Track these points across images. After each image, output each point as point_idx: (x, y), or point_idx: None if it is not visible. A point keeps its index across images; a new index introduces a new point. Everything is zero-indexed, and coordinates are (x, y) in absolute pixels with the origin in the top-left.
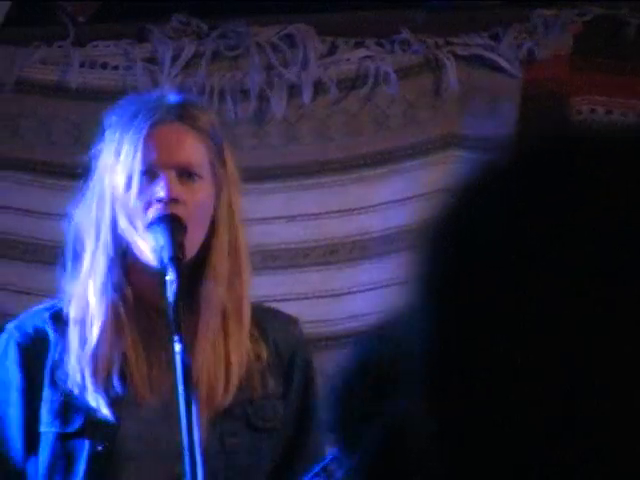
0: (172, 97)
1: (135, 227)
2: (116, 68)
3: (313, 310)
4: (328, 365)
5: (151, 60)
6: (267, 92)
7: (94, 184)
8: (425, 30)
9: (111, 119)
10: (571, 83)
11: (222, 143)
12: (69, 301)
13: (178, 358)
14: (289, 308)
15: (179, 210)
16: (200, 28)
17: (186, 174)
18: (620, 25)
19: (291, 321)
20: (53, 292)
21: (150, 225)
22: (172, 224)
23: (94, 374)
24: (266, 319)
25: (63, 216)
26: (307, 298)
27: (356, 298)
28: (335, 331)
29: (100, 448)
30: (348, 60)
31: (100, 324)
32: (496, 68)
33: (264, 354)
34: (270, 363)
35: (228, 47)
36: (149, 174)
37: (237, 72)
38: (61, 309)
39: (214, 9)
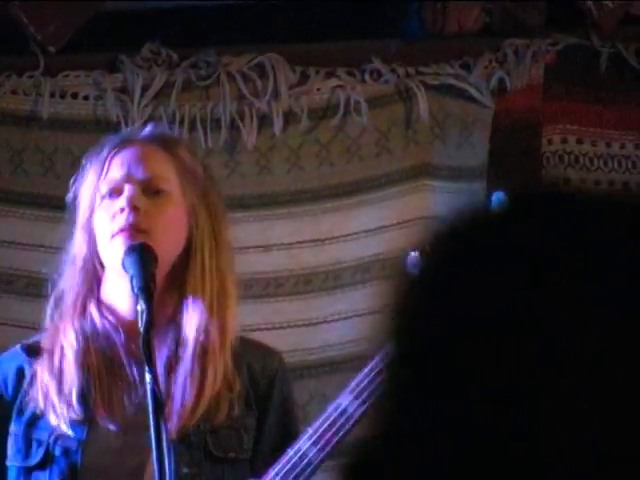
0: (143, 126)
1: (103, 241)
2: (87, 98)
3: (287, 339)
4: (302, 394)
5: (122, 90)
6: (238, 122)
7: (72, 216)
8: (396, 59)
9: (84, 159)
10: (543, 112)
11: (196, 168)
12: (45, 330)
13: (148, 388)
14: (263, 337)
15: (141, 220)
16: (171, 58)
17: (152, 190)
18: (592, 55)
19: (270, 353)
20: (27, 323)
21: (123, 254)
22: (142, 253)
23: (59, 397)
24: (245, 350)
25: (36, 246)
26: (281, 327)
27: (330, 327)
28: (309, 360)
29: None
30: (319, 90)
31: (69, 352)
32: (467, 98)
33: (237, 385)
34: (242, 394)
35: (199, 77)
36: (116, 191)
37: (208, 102)
38: (37, 341)
39: (185, 39)
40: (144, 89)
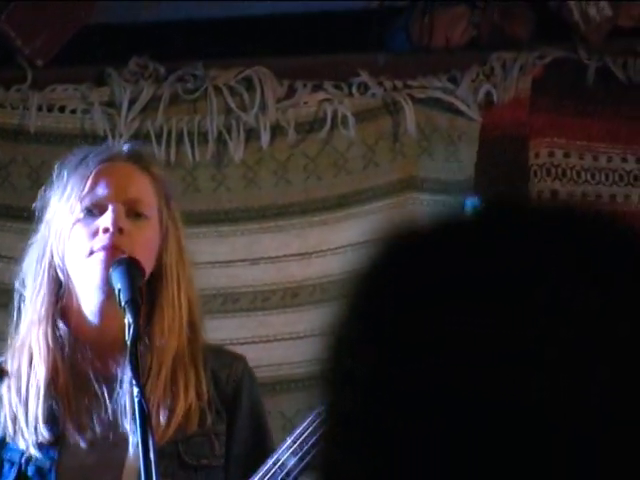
0: (121, 144)
1: (79, 257)
2: (74, 112)
3: (274, 353)
4: (289, 407)
5: (109, 103)
6: (225, 135)
7: (41, 232)
8: (384, 73)
9: (60, 167)
10: (530, 126)
11: (169, 189)
12: (10, 350)
13: (136, 401)
14: (250, 351)
15: (123, 242)
16: (158, 71)
17: (134, 212)
18: (579, 68)
19: (236, 359)
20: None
21: (111, 268)
22: (130, 267)
23: (26, 424)
24: (210, 357)
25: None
26: (269, 341)
27: (317, 341)
28: (296, 374)
29: None
30: (306, 103)
31: (37, 372)
32: (455, 111)
33: (204, 393)
34: (211, 401)
35: (186, 90)
36: (98, 207)
37: (195, 115)
38: (1, 361)
39: (172, 52)
40: (131, 102)
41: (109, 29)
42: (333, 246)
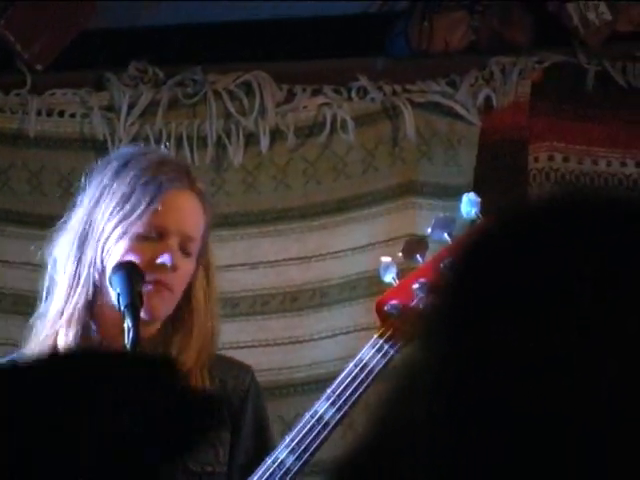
0: (174, 160)
1: (123, 279)
2: (73, 116)
3: (274, 357)
4: (288, 412)
5: (108, 108)
6: (225, 140)
7: (80, 223)
8: (383, 77)
9: (114, 165)
10: (529, 130)
11: (211, 218)
12: (32, 339)
13: None
14: (250, 355)
15: (172, 279)
16: (157, 76)
17: (185, 249)
18: (578, 72)
19: (243, 368)
20: (14, 340)
21: (110, 271)
22: (130, 272)
23: None
24: (216, 366)
25: (22, 263)
26: (268, 345)
27: (317, 345)
28: (296, 378)
29: None
30: (306, 107)
31: None
32: (454, 115)
33: None
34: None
35: (185, 95)
36: (156, 234)
37: (194, 120)
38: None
39: (171, 57)
40: (130, 107)
41: (108, 34)
42: (332, 250)
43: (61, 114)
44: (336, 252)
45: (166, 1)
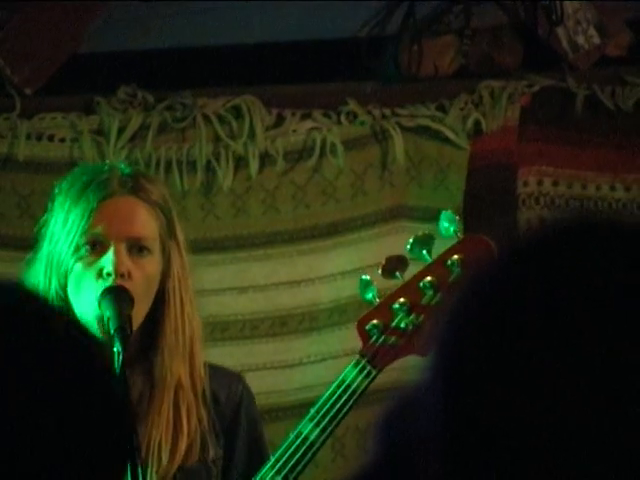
0: (123, 168)
1: (81, 296)
2: (63, 140)
3: (264, 381)
4: (278, 435)
5: (98, 132)
6: (214, 164)
7: (42, 253)
8: (372, 101)
9: (61, 188)
10: (518, 154)
11: (172, 214)
12: None
13: None
14: None
15: (126, 284)
16: (147, 100)
17: (136, 248)
18: (567, 96)
19: (234, 377)
20: None
21: (98, 297)
22: (119, 296)
23: None
24: (208, 377)
25: None
26: (258, 369)
27: (306, 369)
28: (286, 402)
29: None
30: (295, 131)
31: None
32: (443, 139)
33: (204, 416)
34: (210, 424)
35: (175, 119)
36: (99, 245)
37: (184, 144)
38: None
39: (161, 81)
40: (120, 131)
41: (98, 58)
42: (322, 274)
43: (51, 138)
44: (325, 276)
45: (155, 25)
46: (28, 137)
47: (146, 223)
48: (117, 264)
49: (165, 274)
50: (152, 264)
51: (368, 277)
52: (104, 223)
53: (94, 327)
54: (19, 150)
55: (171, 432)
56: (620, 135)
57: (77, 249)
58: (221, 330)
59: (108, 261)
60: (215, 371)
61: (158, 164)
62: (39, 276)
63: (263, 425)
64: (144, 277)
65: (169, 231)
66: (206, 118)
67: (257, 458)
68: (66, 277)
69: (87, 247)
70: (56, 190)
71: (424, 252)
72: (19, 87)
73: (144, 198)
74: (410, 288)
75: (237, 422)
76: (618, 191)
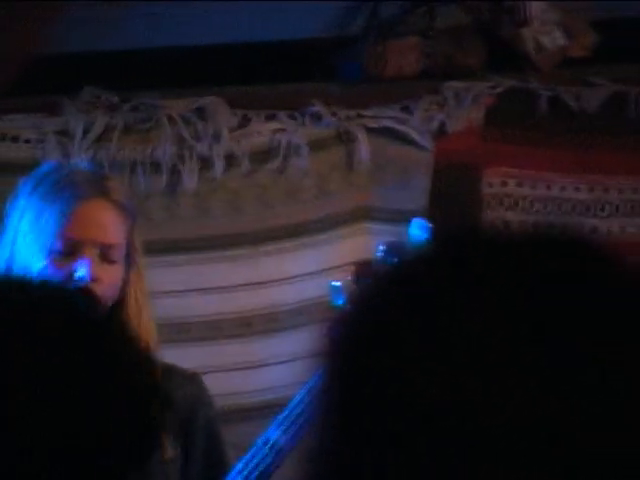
0: (91, 169)
1: None
2: (28, 141)
3: (227, 382)
4: (242, 437)
5: (63, 133)
6: (179, 165)
7: (5, 251)
8: (337, 103)
9: (28, 184)
10: (483, 155)
11: (135, 220)
12: None
13: None
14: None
15: (95, 288)
16: (111, 101)
17: (106, 254)
18: (531, 97)
19: (188, 377)
20: None
21: None
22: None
23: None
24: (163, 378)
25: None
26: (222, 370)
27: (270, 370)
28: (249, 403)
29: None
30: (260, 133)
31: None
32: (408, 141)
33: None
34: (166, 427)
35: (139, 120)
36: (72, 248)
37: (148, 145)
38: None
39: (126, 82)
40: (85, 132)
41: (62, 58)
42: (286, 275)
43: (15, 139)
44: (289, 277)
45: (120, 26)
46: None
47: (117, 230)
48: (90, 269)
49: (125, 279)
50: (119, 271)
51: (339, 283)
52: (79, 228)
53: None
54: None
55: None
56: (584, 136)
57: (49, 251)
58: (185, 331)
59: (81, 266)
60: (170, 371)
61: (122, 165)
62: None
63: (220, 424)
64: (111, 284)
65: (132, 236)
66: (171, 119)
67: (215, 456)
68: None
69: (60, 250)
70: (22, 186)
71: (395, 259)
72: None
73: (114, 200)
74: None
75: (193, 421)
76: (582, 192)
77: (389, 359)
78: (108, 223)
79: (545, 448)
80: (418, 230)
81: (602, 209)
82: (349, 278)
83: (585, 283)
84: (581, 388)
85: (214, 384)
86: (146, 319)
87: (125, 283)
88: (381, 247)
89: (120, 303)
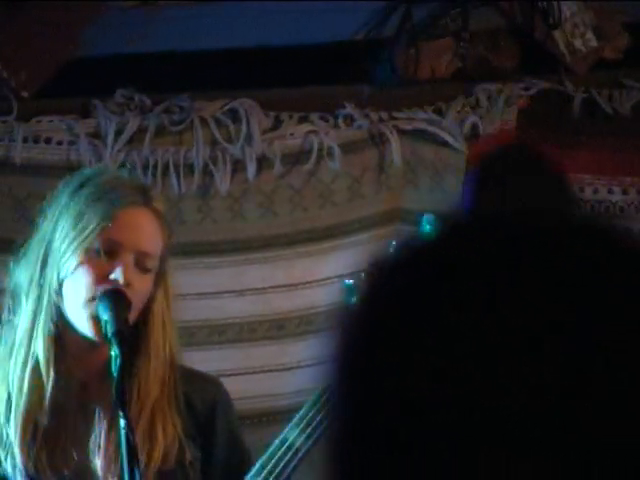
0: (132, 177)
1: (80, 298)
2: (60, 143)
3: (260, 385)
4: (274, 439)
5: (95, 135)
6: (211, 167)
7: (40, 243)
8: (369, 105)
9: (73, 185)
10: None
11: (170, 235)
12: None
13: (123, 434)
14: (236, 383)
15: (127, 291)
16: (144, 103)
17: (142, 262)
18: (564, 99)
19: (209, 382)
20: None
21: (97, 299)
22: (118, 299)
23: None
24: (183, 381)
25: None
26: (255, 372)
27: (303, 372)
28: (282, 406)
29: None
30: (292, 135)
31: (19, 403)
32: (440, 142)
33: (179, 422)
34: (186, 429)
35: (172, 122)
36: (111, 250)
37: (181, 147)
38: None
39: (158, 84)
40: (117, 134)
41: (95, 61)
42: (319, 278)
43: (48, 141)
44: (322, 279)
45: (153, 28)
46: (25, 140)
47: (155, 240)
48: (125, 273)
49: (152, 295)
50: (149, 281)
51: (351, 282)
52: (120, 231)
53: (85, 327)
54: (16, 153)
55: (147, 440)
56: (617, 138)
57: (88, 249)
58: (218, 333)
59: (118, 268)
60: (191, 376)
61: (155, 167)
62: (33, 265)
63: (241, 427)
64: (142, 292)
65: (166, 251)
66: (203, 121)
67: (236, 458)
68: (66, 272)
69: (99, 250)
70: (64, 185)
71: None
72: (16, 90)
73: (156, 211)
74: None
75: (213, 424)
76: (615, 194)
77: (396, 352)
78: (148, 231)
79: (560, 435)
80: (428, 226)
81: (636, 210)
82: (362, 277)
83: (596, 268)
84: (598, 377)
85: (247, 386)
86: (170, 337)
87: (151, 300)
88: (393, 244)
89: (144, 321)
